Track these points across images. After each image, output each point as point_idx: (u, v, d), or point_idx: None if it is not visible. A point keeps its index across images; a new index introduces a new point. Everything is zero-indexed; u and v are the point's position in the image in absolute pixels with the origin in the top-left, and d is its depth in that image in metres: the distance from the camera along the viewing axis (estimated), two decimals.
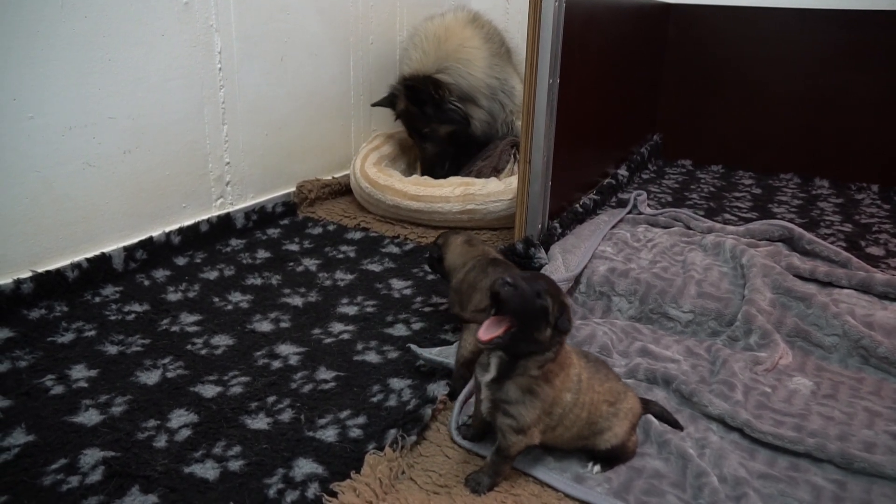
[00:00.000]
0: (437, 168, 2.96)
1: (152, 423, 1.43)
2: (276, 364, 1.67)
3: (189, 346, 1.73)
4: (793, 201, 3.15)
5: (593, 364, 1.37)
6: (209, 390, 1.54)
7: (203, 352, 1.71)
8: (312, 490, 1.23)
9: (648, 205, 2.80)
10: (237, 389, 1.55)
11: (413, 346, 1.64)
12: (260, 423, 1.44)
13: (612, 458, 1.35)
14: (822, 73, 3.40)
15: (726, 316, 1.92)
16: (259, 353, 1.71)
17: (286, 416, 1.46)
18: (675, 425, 1.50)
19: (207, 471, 1.28)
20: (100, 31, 1.98)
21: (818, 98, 3.42)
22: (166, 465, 1.30)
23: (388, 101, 2.99)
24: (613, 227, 2.49)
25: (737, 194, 3.22)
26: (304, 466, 1.30)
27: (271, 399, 1.52)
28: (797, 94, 3.47)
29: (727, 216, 2.81)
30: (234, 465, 1.30)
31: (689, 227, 2.54)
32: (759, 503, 1.27)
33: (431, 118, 2.89)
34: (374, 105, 3.06)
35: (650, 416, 1.49)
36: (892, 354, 1.75)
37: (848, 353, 1.82)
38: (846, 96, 3.36)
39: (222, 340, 1.77)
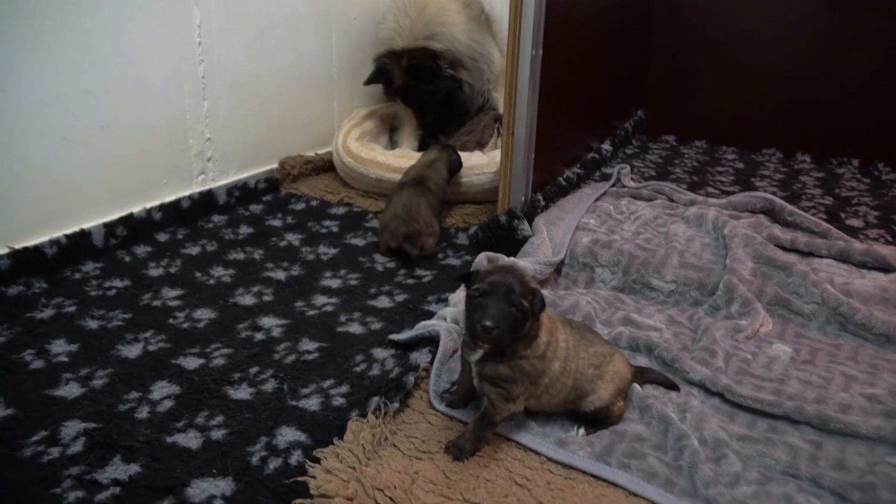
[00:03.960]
0: (439, 135, 3.02)
1: (134, 395, 1.42)
2: (260, 336, 1.66)
3: (171, 320, 1.72)
4: (775, 175, 3.16)
5: (578, 331, 1.38)
6: (191, 362, 1.54)
7: (185, 325, 1.70)
8: (296, 457, 1.24)
9: (632, 179, 2.81)
10: (220, 361, 1.54)
11: (392, 337, 1.64)
12: (243, 393, 1.43)
13: (596, 420, 1.36)
14: (805, 52, 3.40)
15: (708, 285, 1.94)
16: (242, 326, 1.71)
17: (269, 387, 1.46)
18: (672, 387, 1.53)
19: (190, 440, 1.28)
20: (74, 3, 1.94)
21: (802, 76, 3.42)
22: (148, 435, 1.29)
23: (381, 77, 2.95)
24: (597, 199, 2.49)
25: (720, 169, 3.23)
26: (288, 434, 1.30)
27: (254, 370, 1.51)
28: (781, 71, 3.47)
29: (710, 190, 2.82)
30: (217, 435, 1.30)
31: (671, 200, 2.55)
32: (738, 463, 1.28)
33: (431, 90, 2.87)
34: (366, 83, 3.01)
35: (634, 384, 1.50)
36: (868, 321, 1.77)
37: (826, 320, 1.84)
38: (830, 74, 3.37)
39: (205, 314, 1.76)
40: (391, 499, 1.15)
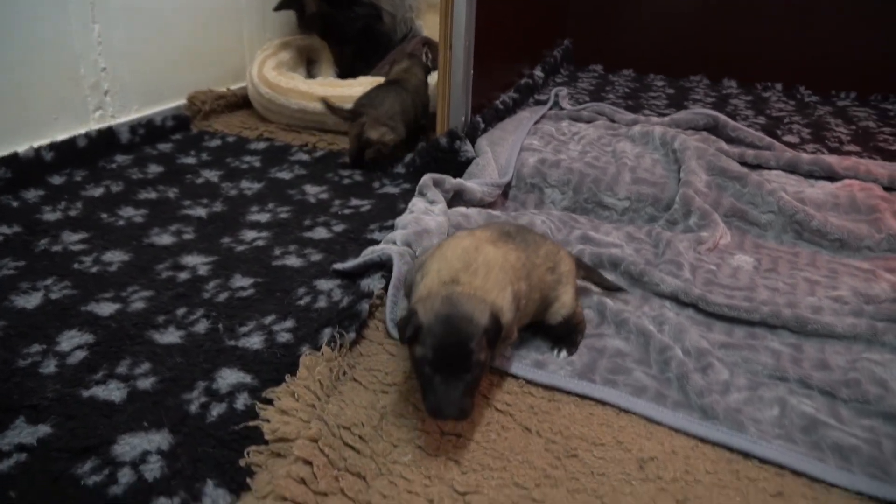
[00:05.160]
0: (358, 67, 2.75)
1: (36, 348, 1.20)
2: (184, 276, 1.46)
3: (76, 266, 1.48)
4: (706, 99, 3.14)
5: (521, 239, 1.20)
6: (105, 308, 1.32)
7: (94, 270, 1.47)
8: (242, 400, 1.06)
9: (569, 102, 2.69)
10: (139, 305, 1.33)
11: (337, 266, 1.46)
12: (171, 336, 1.24)
13: (569, 332, 1.24)
14: None
15: (663, 200, 1.85)
16: (162, 267, 1.49)
17: (201, 328, 1.26)
18: (618, 289, 1.44)
19: (111, 392, 1.08)
20: None
21: (725, 4, 3.40)
22: (59, 391, 1.08)
23: (293, 3, 2.70)
24: (536, 122, 2.36)
25: (652, 94, 3.17)
26: (229, 377, 1.12)
27: (181, 311, 1.32)
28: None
29: (647, 113, 2.74)
30: (145, 384, 1.10)
31: (613, 121, 2.45)
32: (725, 371, 1.20)
33: (347, 18, 2.64)
34: (276, 9, 2.75)
35: (604, 298, 1.40)
36: (824, 227, 1.74)
37: (782, 228, 1.80)
38: (752, 3, 3.36)
39: (116, 256, 1.53)
40: (360, 437, 1.00)
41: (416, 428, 1.03)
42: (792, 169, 2.04)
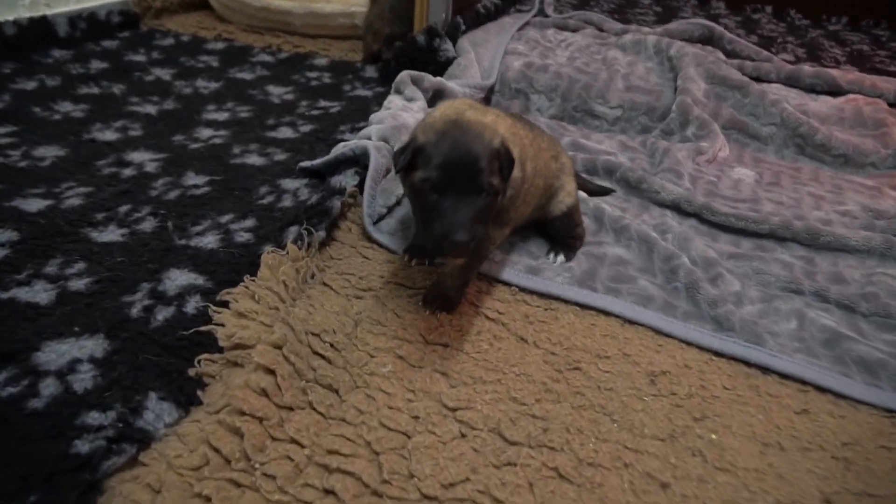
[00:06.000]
0: None
1: None
2: (128, 172, 1.28)
3: (1, 159, 1.29)
4: (691, 19, 2.97)
5: (525, 123, 1.09)
6: (34, 204, 1.14)
7: (22, 164, 1.28)
8: (193, 304, 0.91)
9: (555, 8, 2.51)
10: (75, 202, 1.16)
11: (304, 164, 1.29)
12: (111, 234, 1.07)
13: (570, 229, 1.11)
14: None
15: (658, 109, 1.71)
16: (103, 163, 1.31)
17: (147, 226, 1.10)
18: (607, 191, 1.35)
19: (37, 294, 0.92)
20: None
21: None
22: None
23: None
24: (520, 29, 2.18)
25: (639, 10, 3.00)
26: (178, 278, 0.97)
27: (124, 208, 1.15)
28: None
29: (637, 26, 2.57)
30: (77, 284, 0.94)
31: (601, 30, 2.28)
32: (736, 282, 1.09)
33: None
34: None
35: (601, 204, 1.26)
36: (828, 141, 1.62)
37: (784, 142, 1.68)
38: None
39: (49, 151, 1.34)
40: (332, 345, 0.86)
41: (395, 336, 0.90)
42: (793, 83, 1.91)
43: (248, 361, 0.79)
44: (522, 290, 1.03)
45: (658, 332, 0.97)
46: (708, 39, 2.13)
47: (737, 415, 0.84)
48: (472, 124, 0.83)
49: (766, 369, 0.92)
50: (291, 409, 0.76)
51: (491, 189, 0.82)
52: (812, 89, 1.90)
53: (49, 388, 0.75)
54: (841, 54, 2.49)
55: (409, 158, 0.83)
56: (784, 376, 0.91)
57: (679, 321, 0.99)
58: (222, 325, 0.85)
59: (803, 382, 0.91)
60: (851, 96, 1.81)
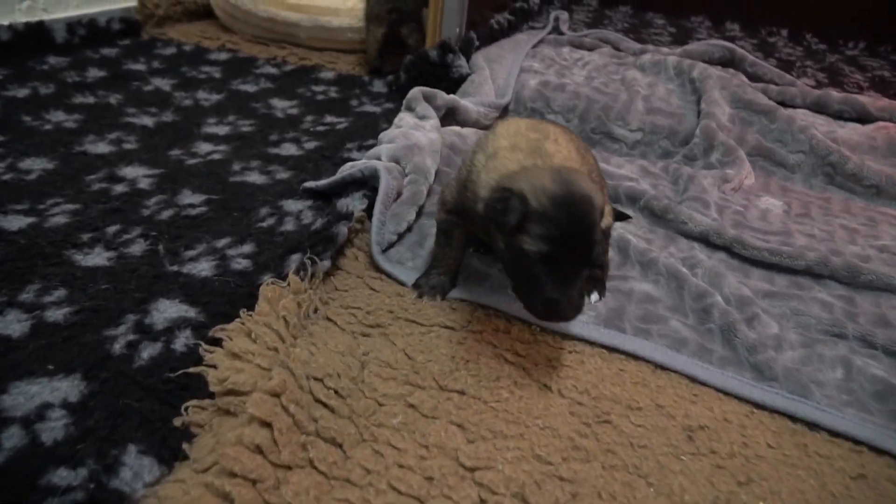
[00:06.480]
0: None
1: None
2: (120, 188, 1.19)
3: None
4: (710, 40, 2.90)
5: (574, 136, 1.03)
6: (15, 222, 1.06)
7: (6, 177, 1.20)
8: (182, 340, 0.82)
9: (570, 27, 2.44)
10: (60, 220, 1.07)
11: (309, 184, 1.21)
12: (96, 258, 0.98)
13: (600, 258, 1.03)
14: None
15: (680, 133, 1.63)
16: (93, 178, 1.23)
17: (137, 249, 1.01)
18: (624, 217, 1.27)
19: (9, 325, 0.83)
20: None
21: None
22: None
23: None
24: (534, 46, 2.11)
25: (654, 31, 2.93)
26: (168, 310, 0.88)
27: (113, 229, 1.06)
28: None
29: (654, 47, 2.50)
30: (56, 315, 0.85)
31: (618, 49, 2.21)
32: (774, 324, 1.00)
33: None
34: None
35: (625, 234, 1.18)
36: (860, 171, 1.54)
37: (812, 171, 1.60)
38: None
39: (36, 164, 1.26)
40: (336, 391, 0.77)
41: (406, 381, 0.81)
42: (820, 108, 1.83)
43: (241, 410, 0.70)
44: (544, 329, 0.94)
45: (693, 379, 0.89)
46: (729, 62, 2.05)
47: (785, 479, 0.75)
48: (580, 186, 0.78)
49: (813, 425, 0.83)
50: (289, 467, 0.67)
51: (598, 258, 0.83)
52: (840, 116, 1.82)
53: (13, 438, 0.66)
54: (863, 80, 2.42)
55: (507, 208, 0.77)
56: (834, 433, 0.82)
57: (716, 368, 0.90)
58: (214, 366, 0.76)
59: (856, 441, 0.82)
60: (882, 124, 1.73)
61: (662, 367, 0.90)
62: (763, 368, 0.90)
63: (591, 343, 0.92)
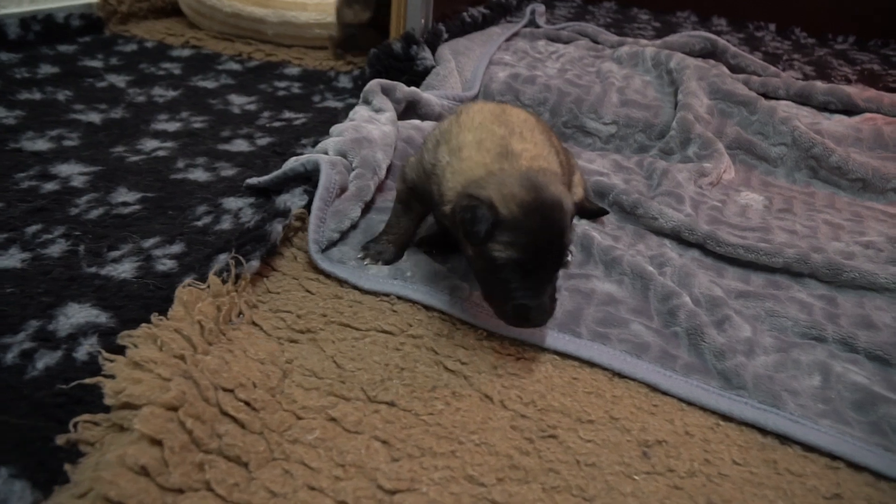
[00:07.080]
0: None
1: None
2: (50, 186, 1.12)
3: None
4: (691, 31, 2.83)
5: (540, 121, 1.00)
6: None
7: None
8: (86, 348, 0.74)
9: (547, 20, 2.37)
10: None
11: (251, 181, 1.14)
12: (9, 260, 0.91)
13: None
14: None
15: (656, 126, 1.56)
16: (23, 175, 1.15)
17: (55, 250, 0.94)
18: (601, 212, 1.22)
19: None
20: None
21: None
22: None
23: None
24: (508, 39, 2.04)
25: (637, 26, 2.86)
26: (75, 315, 0.80)
27: (33, 229, 0.98)
28: None
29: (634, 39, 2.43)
30: None
31: (596, 42, 2.13)
32: (747, 326, 0.93)
33: None
34: None
35: (589, 230, 1.10)
36: (845, 163, 1.46)
37: (795, 165, 1.52)
38: None
39: None
40: (248, 404, 0.69)
41: (331, 392, 0.73)
42: (804, 100, 1.76)
43: (133, 427, 0.62)
44: (492, 334, 0.86)
45: (654, 388, 0.81)
46: (710, 53, 1.99)
47: (750, 500, 0.67)
48: (550, 191, 0.76)
49: (785, 438, 0.75)
50: (181, 491, 0.59)
51: (567, 260, 0.84)
52: (825, 107, 1.75)
53: None
54: (851, 73, 2.35)
55: (475, 216, 0.74)
56: (808, 447, 0.75)
57: (679, 375, 0.82)
58: (112, 376, 0.68)
59: (832, 456, 0.74)
60: (869, 115, 1.66)
61: (621, 375, 0.82)
62: (731, 376, 0.82)
63: (543, 349, 0.85)
